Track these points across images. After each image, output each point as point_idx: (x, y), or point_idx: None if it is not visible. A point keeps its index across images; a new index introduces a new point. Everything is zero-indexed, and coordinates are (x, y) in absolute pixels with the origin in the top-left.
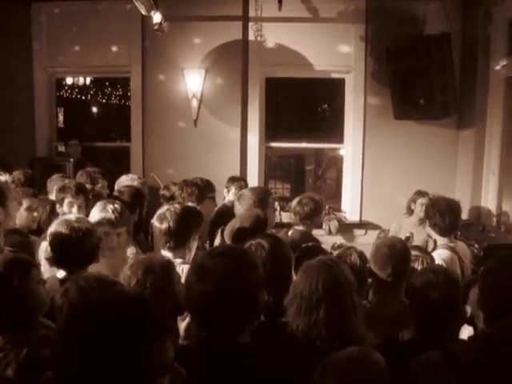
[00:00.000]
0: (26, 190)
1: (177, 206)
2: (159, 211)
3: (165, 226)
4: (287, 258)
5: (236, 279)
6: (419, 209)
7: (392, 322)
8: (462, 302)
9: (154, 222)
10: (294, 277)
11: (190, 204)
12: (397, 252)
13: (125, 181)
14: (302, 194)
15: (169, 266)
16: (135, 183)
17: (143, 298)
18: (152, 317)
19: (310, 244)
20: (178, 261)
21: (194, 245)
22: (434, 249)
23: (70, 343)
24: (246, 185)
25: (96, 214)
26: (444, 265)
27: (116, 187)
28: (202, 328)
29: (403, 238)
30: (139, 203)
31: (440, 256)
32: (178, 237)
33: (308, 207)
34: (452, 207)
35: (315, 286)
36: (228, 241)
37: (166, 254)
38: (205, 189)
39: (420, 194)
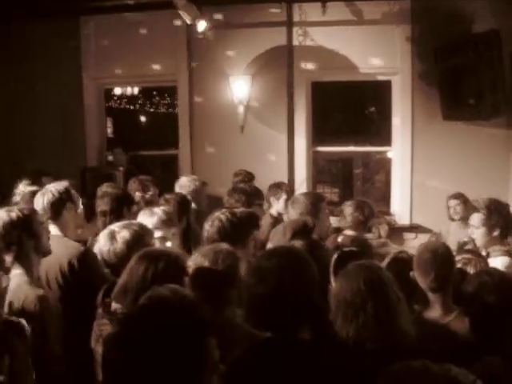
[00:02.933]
0: None
1: (222, 215)
2: (210, 218)
3: (208, 234)
4: (325, 261)
5: (294, 277)
6: (451, 211)
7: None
8: None
9: (205, 226)
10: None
11: (240, 209)
12: (439, 257)
13: (186, 181)
14: (350, 198)
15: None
16: (196, 183)
17: (194, 300)
18: (200, 316)
19: (349, 249)
20: None
21: (246, 254)
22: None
23: (128, 343)
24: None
25: (146, 219)
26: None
27: (177, 188)
28: (264, 328)
29: (459, 242)
30: (186, 210)
31: (502, 264)
32: (232, 238)
33: (367, 211)
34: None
35: (357, 287)
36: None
37: None
38: (252, 196)
39: (451, 196)
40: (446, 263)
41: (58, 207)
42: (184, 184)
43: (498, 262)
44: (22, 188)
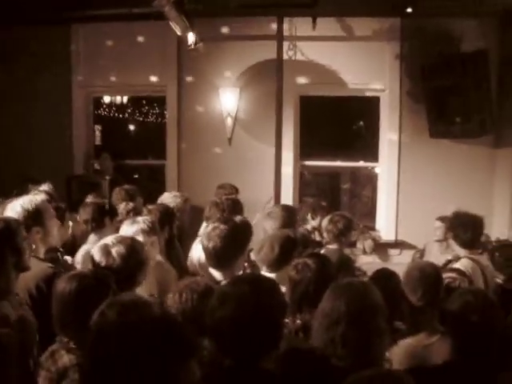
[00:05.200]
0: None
1: (221, 225)
2: (207, 229)
3: (210, 245)
4: (332, 278)
5: (255, 306)
6: (437, 232)
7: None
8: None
9: (202, 240)
10: None
11: (238, 219)
12: (427, 275)
13: (168, 197)
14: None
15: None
16: (178, 200)
17: (172, 318)
18: (180, 337)
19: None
20: (223, 282)
21: (243, 261)
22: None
23: (99, 362)
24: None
25: (128, 228)
26: (467, 273)
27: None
28: (223, 353)
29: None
30: (168, 221)
31: (462, 265)
32: (223, 256)
33: (341, 224)
34: (475, 221)
35: (338, 304)
36: (256, 259)
37: (214, 272)
38: (231, 209)
39: (438, 218)
40: (434, 281)
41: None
42: (166, 200)
43: (460, 263)
44: None
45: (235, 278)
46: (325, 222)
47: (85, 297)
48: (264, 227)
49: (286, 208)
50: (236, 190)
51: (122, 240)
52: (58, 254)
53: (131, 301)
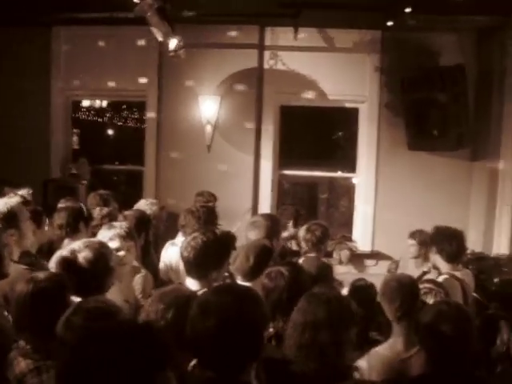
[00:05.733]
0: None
1: (201, 236)
2: (187, 239)
3: (186, 255)
4: (306, 286)
5: (237, 317)
6: (411, 250)
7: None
8: (474, 337)
9: (181, 249)
10: None
11: (219, 231)
12: (404, 285)
13: (144, 205)
14: (310, 222)
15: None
16: (154, 208)
17: (149, 327)
18: (156, 346)
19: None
20: (200, 291)
21: (222, 274)
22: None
23: (72, 370)
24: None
25: (105, 233)
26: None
27: None
28: (204, 366)
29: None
30: (144, 227)
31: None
32: (199, 268)
33: (319, 232)
34: (457, 234)
35: (308, 313)
36: (232, 269)
37: (191, 282)
38: (207, 217)
39: (409, 235)
40: (411, 292)
41: None
42: (142, 207)
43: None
44: None
45: (216, 288)
46: (302, 231)
47: (39, 300)
48: (248, 237)
49: (269, 217)
50: (214, 198)
51: (90, 245)
52: (33, 258)
53: (97, 307)
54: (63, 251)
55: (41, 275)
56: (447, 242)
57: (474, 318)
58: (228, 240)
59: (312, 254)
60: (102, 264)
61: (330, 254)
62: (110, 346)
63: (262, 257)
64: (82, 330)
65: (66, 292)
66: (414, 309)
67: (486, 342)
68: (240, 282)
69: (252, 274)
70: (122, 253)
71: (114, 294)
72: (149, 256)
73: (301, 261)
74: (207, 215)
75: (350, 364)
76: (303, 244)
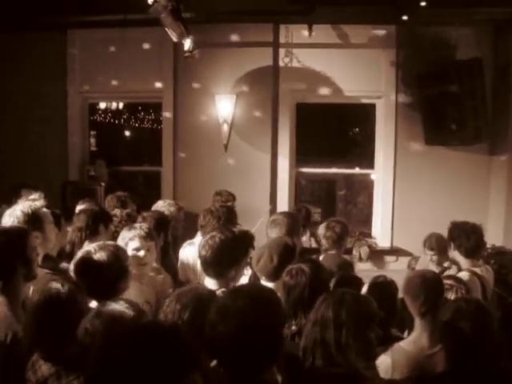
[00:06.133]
0: None
1: (219, 234)
2: (205, 237)
3: (204, 254)
4: (326, 284)
5: (257, 321)
6: (428, 257)
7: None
8: (494, 334)
9: (199, 248)
10: None
11: (237, 230)
12: (428, 281)
13: (162, 206)
14: (329, 219)
15: (210, 298)
16: (172, 209)
17: (176, 329)
18: (183, 348)
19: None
20: (219, 291)
21: (239, 273)
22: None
23: (100, 371)
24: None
25: (125, 234)
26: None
27: None
28: (225, 368)
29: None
30: (163, 228)
31: (461, 276)
32: (217, 266)
33: (338, 228)
34: (475, 228)
35: (327, 313)
36: (255, 269)
37: (209, 281)
38: (226, 217)
39: (427, 239)
40: (435, 287)
41: None
42: (160, 208)
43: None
44: None
45: (235, 290)
46: (321, 229)
47: (54, 311)
48: (268, 235)
49: (289, 215)
50: (233, 198)
51: (105, 247)
52: (54, 261)
53: (119, 311)
54: (79, 254)
55: (57, 285)
56: (465, 237)
57: (495, 313)
58: (246, 239)
59: (332, 251)
60: (116, 266)
61: (349, 251)
62: (135, 349)
63: (286, 256)
64: (105, 335)
65: (83, 300)
66: (438, 304)
67: (509, 332)
68: (264, 282)
69: (276, 274)
70: (142, 252)
71: (135, 296)
72: (168, 257)
73: (321, 258)
74: (227, 215)
75: (370, 363)
76: (323, 241)
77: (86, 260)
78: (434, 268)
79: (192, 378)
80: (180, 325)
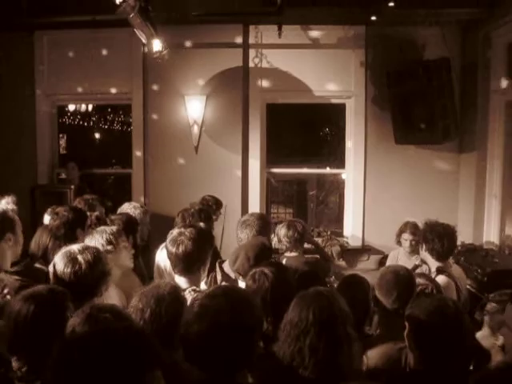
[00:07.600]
0: None
1: (190, 229)
2: (172, 234)
3: (179, 250)
4: (290, 286)
5: (232, 322)
6: (405, 244)
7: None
8: (469, 333)
9: (168, 246)
10: None
11: (201, 225)
12: (401, 278)
13: (127, 208)
14: (304, 218)
15: (173, 297)
16: (137, 211)
17: (135, 328)
18: (143, 347)
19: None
20: (189, 289)
21: (205, 270)
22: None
23: (61, 371)
24: None
25: (96, 237)
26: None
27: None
28: (198, 367)
29: (411, 265)
30: (131, 230)
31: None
32: (192, 260)
33: (300, 227)
34: (449, 232)
35: (305, 315)
36: (232, 270)
37: (180, 279)
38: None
39: (405, 226)
40: (408, 284)
41: None
42: (126, 211)
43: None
44: None
45: (212, 291)
46: (281, 229)
47: (39, 320)
48: (238, 236)
49: (260, 216)
50: (220, 204)
51: (88, 248)
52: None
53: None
54: (60, 256)
55: (42, 292)
56: (439, 241)
57: (467, 312)
58: (209, 234)
59: (294, 253)
60: (100, 268)
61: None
62: (92, 351)
63: (262, 256)
64: (64, 340)
65: (66, 306)
66: (410, 300)
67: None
68: (241, 282)
69: (245, 270)
70: (112, 255)
71: (110, 298)
72: (137, 259)
73: (284, 260)
74: (200, 214)
75: (350, 362)
76: (284, 241)
77: (69, 262)
78: (404, 263)
79: (153, 375)
80: (140, 324)
